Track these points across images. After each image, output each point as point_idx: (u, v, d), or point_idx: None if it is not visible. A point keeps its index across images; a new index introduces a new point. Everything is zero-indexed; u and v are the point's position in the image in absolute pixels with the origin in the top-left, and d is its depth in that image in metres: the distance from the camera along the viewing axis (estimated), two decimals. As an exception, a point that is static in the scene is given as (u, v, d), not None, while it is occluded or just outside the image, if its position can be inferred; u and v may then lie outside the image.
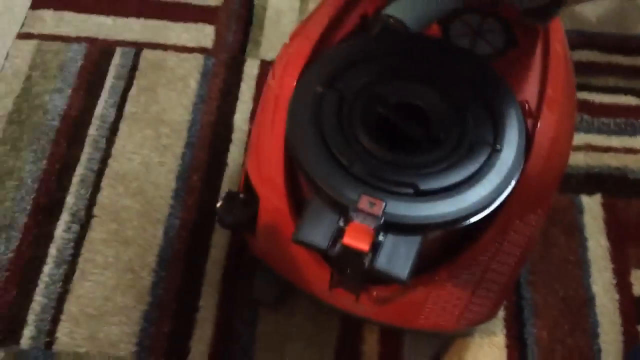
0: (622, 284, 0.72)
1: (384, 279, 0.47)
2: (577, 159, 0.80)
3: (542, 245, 0.74)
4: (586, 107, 0.85)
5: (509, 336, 0.69)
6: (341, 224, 0.47)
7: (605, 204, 0.77)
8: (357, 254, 0.46)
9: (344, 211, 0.47)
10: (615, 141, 0.83)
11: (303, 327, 0.68)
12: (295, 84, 0.56)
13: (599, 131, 0.83)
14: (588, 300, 0.71)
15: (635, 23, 0.95)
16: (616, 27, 0.95)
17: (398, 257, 0.46)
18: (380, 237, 0.47)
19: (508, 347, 0.68)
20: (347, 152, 0.50)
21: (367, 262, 0.46)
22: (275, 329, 0.68)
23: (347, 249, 0.46)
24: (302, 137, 0.51)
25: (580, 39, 0.93)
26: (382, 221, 0.46)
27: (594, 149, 0.82)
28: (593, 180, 0.79)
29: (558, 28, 0.62)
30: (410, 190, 0.48)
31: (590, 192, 0.78)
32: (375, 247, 0.46)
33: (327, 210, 0.48)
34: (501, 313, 0.70)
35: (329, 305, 0.63)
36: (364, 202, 0.47)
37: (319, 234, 0.47)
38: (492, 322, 0.69)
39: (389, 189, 0.48)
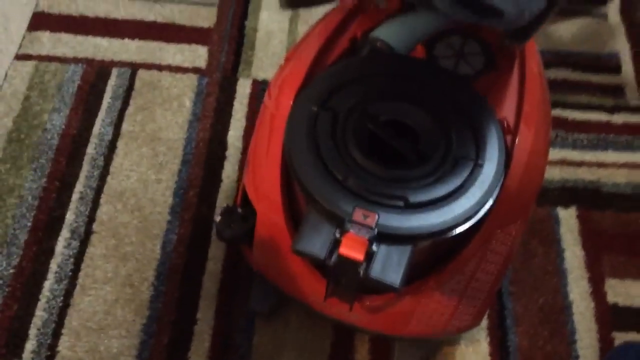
0: (597, 292, 0.77)
1: (378, 287, 0.50)
2: (553, 173, 0.85)
3: (521, 256, 0.78)
4: (561, 123, 0.90)
5: (492, 344, 0.72)
6: (337, 235, 0.50)
7: (580, 215, 0.82)
8: (353, 264, 0.49)
9: (339, 223, 0.51)
10: (588, 156, 0.87)
11: (297, 337, 0.71)
12: (291, 103, 0.59)
13: (574, 146, 0.88)
14: (565, 308, 0.75)
15: (607, 42, 1.01)
16: (589, 46, 1.00)
17: (391, 265, 0.50)
18: (374, 247, 0.50)
19: (491, 354, 0.72)
20: (342, 167, 0.53)
21: (361, 271, 0.49)
22: (271, 339, 0.71)
23: (343, 259, 0.49)
24: (300, 154, 0.54)
25: (554, 58, 0.98)
26: (375, 232, 0.50)
27: (569, 164, 0.86)
28: (568, 194, 0.84)
29: (533, 48, 0.67)
30: (401, 203, 0.52)
31: (566, 205, 0.83)
32: (369, 256, 0.50)
33: (324, 222, 0.51)
34: (485, 322, 0.73)
35: (323, 315, 0.66)
36: (358, 214, 0.51)
37: (316, 244, 0.50)
38: (477, 330, 0.72)
39: (381, 201, 0.52)
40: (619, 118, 0.92)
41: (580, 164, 0.86)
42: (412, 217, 0.51)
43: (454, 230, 0.52)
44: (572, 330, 0.74)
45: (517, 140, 0.57)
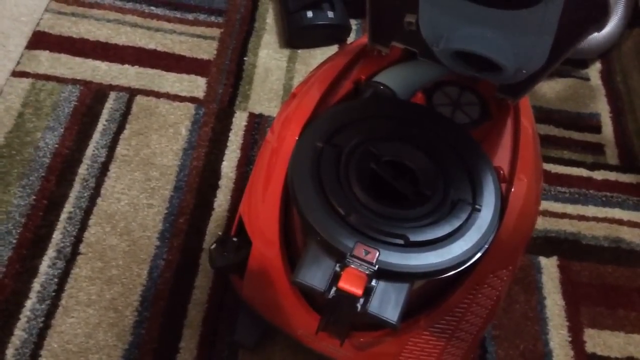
0: (576, 341, 0.79)
1: (372, 324, 0.51)
2: (537, 223, 0.87)
3: (504, 302, 0.80)
4: (544, 176, 0.94)
5: (475, 387, 0.73)
6: (337, 269, 0.51)
7: (561, 265, 0.84)
8: (351, 298, 0.50)
9: (340, 257, 0.52)
10: (569, 208, 0.91)
11: (282, 371, 0.70)
12: (295, 139, 0.60)
13: (556, 199, 0.92)
14: (546, 355, 0.77)
15: (588, 103, 1.06)
16: (571, 105, 1.05)
17: (389, 302, 0.51)
18: (373, 283, 0.51)
19: (474, 397, 0.72)
20: (344, 203, 0.55)
21: (359, 306, 0.50)
22: (255, 372, 0.70)
23: (341, 293, 0.50)
24: (303, 187, 0.55)
25: (539, 114, 1.02)
26: (375, 268, 0.51)
27: (552, 215, 0.89)
28: (550, 243, 0.86)
29: (526, 105, 0.70)
30: (401, 241, 0.53)
31: (547, 254, 0.85)
32: (368, 292, 0.51)
33: (325, 256, 0.52)
34: (468, 364, 0.74)
35: (310, 349, 0.66)
36: (360, 250, 0.52)
37: (316, 277, 0.51)
38: (460, 372, 0.73)
39: (381, 238, 0.53)
40: (598, 175, 0.96)
41: (562, 215, 0.90)
42: (411, 255, 0.53)
43: (452, 271, 0.53)
44: (552, 378, 0.75)
45: (512, 188, 0.60)
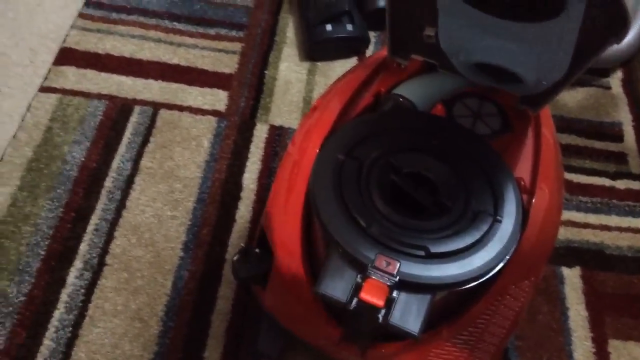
0: (601, 352, 0.78)
1: (394, 335, 0.51)
2: (559, 233, 0.87)
3: (527, 312, 0.79)
4: (566, 185, 0.93)
5: (498, 398, 0.72)
6: (359, 280, 0.52)
7: (583, 276, 0.84)
8: (372, 309, 0.51)
9: (362, 268, 0.52)
10: (592, 218, 0.90)
11: (304, 381, 0.71)
12: (316, 151, 0.61)
13: (578, 208, 0.91)
14: (570, 367, 0.76)
15: (610, 112, 1.06)
16: (593, 114, 1.04)
17: (410, 313, 0.51)
18: (394, 294, 0.51)
19: (498, 408, 0.72)
20: (366, 214, 0.55)
21: (381, 317, 0.51)
22: (278, 382, 0.71)
23: (363, 304, 0.51)
24: (325, 199, 0.56)
25: (560, 124, 1.02)
26: (397, 279, 0.51)
27: (574, 225, 0.89)
28: (573, 253, 0.86)
29: (547, 115, 0.70)
30: (422, 253, 0.53)
31: (570, 265, 0.84)
32: (389, 303, 0.51)
33: (347, 267, 0.53)
34: (491, 375, 0.74)
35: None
36: (381, 261, 0.52)
37: (338, 288, 0.52)
38: (483, 383, 0.72)
39: (402, 250, 0.53)
40: (621, 184, 0.95)
41: (585, 225, 0.89)
42: (432, 267, 0.53)
43: (473, 282, 0.53)
44: (576, 390, 0.75)
45: (533, 200, 0.60)
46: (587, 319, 0.80)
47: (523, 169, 0.64)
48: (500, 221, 0.56)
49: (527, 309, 0.79)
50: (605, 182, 0.95)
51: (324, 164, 0.59)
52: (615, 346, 0.78)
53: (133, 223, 0.81)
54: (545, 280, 0.82)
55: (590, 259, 0.86)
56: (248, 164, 0.89)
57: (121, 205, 0.83)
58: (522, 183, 0.61)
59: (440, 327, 0.60)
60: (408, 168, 0.60)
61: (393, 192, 0.59)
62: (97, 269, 0.77)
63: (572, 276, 0.84)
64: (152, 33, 1.05)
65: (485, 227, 0.56)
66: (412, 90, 0.69)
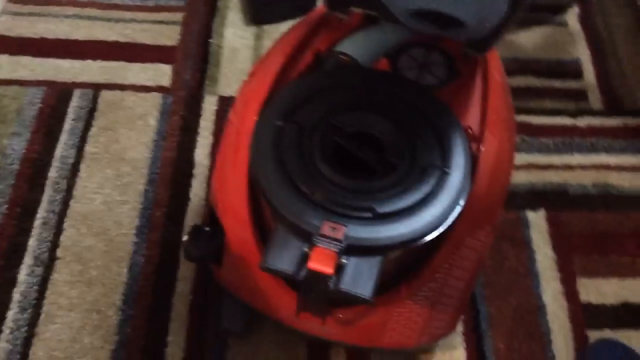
0: (570, 292, 0.77)
1: (349, 300, 0.49)
2: (521, 177, 0.86)
3: (494, 260, 0.78)
4: (527, 128, 0.92)
5: (468, 349, 0.72)
6: (306, 249, 0.50)
7: (549, 218, 0.83)
8: (323, 277, 0.49)
9: (307, 237, 0.50)
10: (554, 159, 0.89)
11: (271, 354, 0.70)
12: (255, 118, 0.58)
13: (540, 150, 0.89)
14: (539, 309, 0.75)
15: (568, 49, 1.03)
16: (550, 53, 1.02)
17: (361, 277, 0.49)
18: (344, 260, 0.49)
19: (468, 359, 0.71)
20: (308, 181, 0.53)
21: (332, 284, 0.49)
22: (245, 358, 0.69)
23: (312, 273, 0.49)
24: (265, 169, 0.54)
25: (517, 66, 1.00)
26: (344, 245, 0.49)
27: (536, 167, 0.87)
28: (537, 197, 0.85)
29: (495, 57, 0.68)
30: (369, 214, 0.51)
31: (534, 208, 0.83)
32: (339, 269, 0.49)
33: (292, 237, 0.51)
34: (460, 327, 0.73)
35: (296, 330, 0.65)
36: (326, 228, 0.50)
37: (285, 260, 0.50)
38: (452, 336, 0.72)
39: (349, 214, 0.51)
40: (582, 121, 0.94)
41: (546, 167, 0.88)
42: (380, 227, 0.51)
43: (423, 239, 0.51)
44: (547, 330, 0.74)
45: (482, 147, 0.58)
46: (554, 260, 0.79)
47: (472, 117, 0.62)
48: (448, 173, 0.54)
49: (493, 256, 0.78)
50: (566, 121, 0.94)
51: (262, 132, 0.56)
52: (583, 284, 0.78)
53: (82, 212, 0.78)
54: (510, 226, 0.81)
55: (555, 200, 0.85)
56: (199, 139, 0.86)
57: (68, 195, 0.79)
58: (470, 131, 0.59)
59: (399, 286, 0.59)
60: (351, 128, 0.57)
61: (338, 154, 0.56)
62: (48, 264, 0.74)
63: (537, 219, 0.83)
64: (87, 11, 1.00)
65: (433, 181, 0.54)
66: (353, 46, 0.66)
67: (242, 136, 0.60)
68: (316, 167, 0.54)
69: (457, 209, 0.53)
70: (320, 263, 0.49)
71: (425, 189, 0.53)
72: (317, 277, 0.49)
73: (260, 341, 0.70)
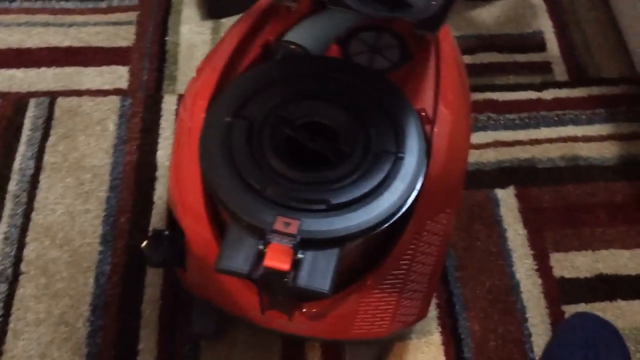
0: (543, 268, 0.77)
1: (310, 295, 0.48)
2: (488, 156, 0.85)
3: (464, 241, 0.78)
4: (491, 105, 0.91)
5: (444, 333, 0.71)
6: (261, 247, 0.49)
7: (518, 194, 0.82)
8: (280, 274, 0.48)
9: (261, 234, 0.49)
10: (521, 134, 0.88)
11: (246, 355, 0.69)
12: (203, 115, 0.57)
13: (506, 127, 0.89)
14: (513, 288, 0.75)
15: (530, 22, 1.02)
16: (512, 27, 1.01)
17: (318, 271, 0.48)
18: (300, 255, 0.48)
19: (444, 343, 0.71)
20: (259, 176, 0.51)
21: (289, 280, 0.48)
22: (219, 360, 0.68)
23: (269, 271, 0.48)
24: (215, 167, 0.52)
25: (479, 42, 0.98)
26: (298, 239, 0.48)
27: (503, 144, 0.87)
28: (505, 174, 0.84)
29: (447, 33, 0.66)
30: (323, 206, 0.50)
31: (503, 186, 0.83)
32: (296, 265, 0.48)
33: (246, 236, 0.49)
34: (434, 312, 0.73)
35: (268, 329, 0.64)
36: (280, 223, 0.49)
37: (239, 260, 0.48)
38: (427, 321, 0.71)
39: (302, 207, 0.50)
40: (548, 94, 0.93)
41: (513, 143, 0.87)
42: (335, 219, 0.50)
43: (380, 227, 0.50)
44: (522, 309, 0.74)
45: (435, 128, 0.57)
46: (526, 237, 0.79)
47: (426, 99, 0.61)
48: (402, 158, 0.53)
49: (464, 237, 0.78)
50: (532, 95, 0.93)
51: (211, 129, 0.55)
52: (556, 259, 0.78)
53: (44, 224, 0.76)
54: (479, 206, 0.81)
55: (523, 176, 0.84)
56: (160, 140, 0.84)
57: (29, 208, 0.78)
58: (424, 114, 0.58)
59: (365, 276, 0.58)
60: (301, 119, 0.56)
61: (291, 147, 0.55)
62: (12, 280, 0.72)
63: (506, 197, 0.82)
64: (39, 17, 0.97)
65: (387, 168, 0.53)
66: (301, 35, 0.64)
67: (194, 133, 0.58)
68: (267, 162, 0.53)
69: (413, 194, 0.52)
70: (276, 260, 0.47)
71: (379, 176, 0.52)
72: (275, 275, 0.48)
73: (233, 342, 0.70)
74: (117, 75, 0.91)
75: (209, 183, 0.52)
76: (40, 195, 0.79)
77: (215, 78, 0.59)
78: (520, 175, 0.84)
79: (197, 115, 0.58)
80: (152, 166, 0.82)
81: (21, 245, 0.75)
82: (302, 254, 0.48)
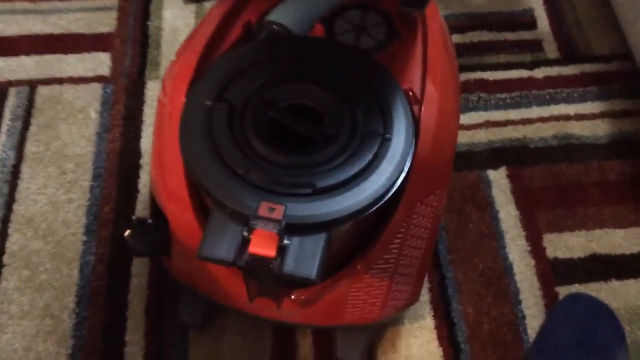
0: (536, 249, 0.76)
1: (298, 282, 0.47)
2: (479, 136, 0.84)
3: (457, 224, 0.77)
4: (482, 85, 0.89)
5: (436, 317, 0.70)
6: (245, 233, 0.47)
7: (510, 175, 0.81)
8: (265, 261, 0.46)
9: (245, 220, 0.47)
10: (513, 114, 0.87)
11: (235, 343, 0.68)
12: (184, 99, 0.55)
13: (497, 107, 0.87)
14: (506, 270, 0.74)
15: (520, -1, 1.01)
16: (502, 5, 0.99)
17: (305, 257, 0.47)
18: (286, 241, 0.47)
19: (437, 327, 0.70)
20: (242, 161, 0.50)
21: (275, 267, 0.46)
22: (208, 350, 0.67)
23: (254, 258, 0.46)
24: (196, 153, 0.50)
25: (469, 21, 0.97)
26: (284, 225, 0.46)
27: (494, 125, 0.85)
28: (496, 154, 0.82)
29: (434, 11, 0.65)
30: (309, 190, 0.49)
31: (495, 166, 0.81)
32: (282, 251, 0.46)
33: (230, 222, 0.48)
34: (427, 295, 0.71)
35: (257, 317, 0.63)
36: (264, 209, 0.47)
37: (223, 247, 0.47)
38: (420, 305, 0.70)
39: (287, 191, 0.49)
40: (539, 73, 0.92)
41: (505, 123, 0.85)
42: (321, 203, 0.48)
43: (367, 211, 0.49)
44: (516, 290, 0.73)
45: (423, 108, 0.55)
46: (518, 218, 0.78)
47: (414, 78, 0.59)
48: (389, 139, 0.52)
49: (456, 220, 0.76)
50: (523, 73, 0.91)
51: (192, 113, 0.53)
52: (550, 240, 0.77)
53: (27, 215, 0.75)
54: (471, 187, 0.79)
55: (515, 156, 0.83)
56: (144, 127, 0.83)
57: (10, 199, 0.76)
58: (411, 94, 0.56)
59: (355, 261, 0.57)
60: (286, 101, 0.54)
61: (275, 130, 0.53)
62: (-6, 273, 0.71)
63: (498, 178, 0.81)
64: (18, 5, 0.95)
65: (374, 149, 0.51)
66: (285, 14, 0.62)
67: (174, 118, 0.56)
68: (250, 146, 0.51)
69: (401, 176, 0.50)
70: (261, 246, 0.46)
71: (366, 157, 0.51)
72: (260, 262, 0.47)
73: (223, 331, 0.68)
74: (99, 62, 0.88)
75: (190, 169, 0.50)
76: (22, 185, 0.77)
77: (195, 60, 0.57)
78: (512, 155, 0.83)
79: (177, 99, 0.56)
80: (136, 154, 0.80)
81: (3, 237, 0.73)
82: (288, 239, 0.47)
